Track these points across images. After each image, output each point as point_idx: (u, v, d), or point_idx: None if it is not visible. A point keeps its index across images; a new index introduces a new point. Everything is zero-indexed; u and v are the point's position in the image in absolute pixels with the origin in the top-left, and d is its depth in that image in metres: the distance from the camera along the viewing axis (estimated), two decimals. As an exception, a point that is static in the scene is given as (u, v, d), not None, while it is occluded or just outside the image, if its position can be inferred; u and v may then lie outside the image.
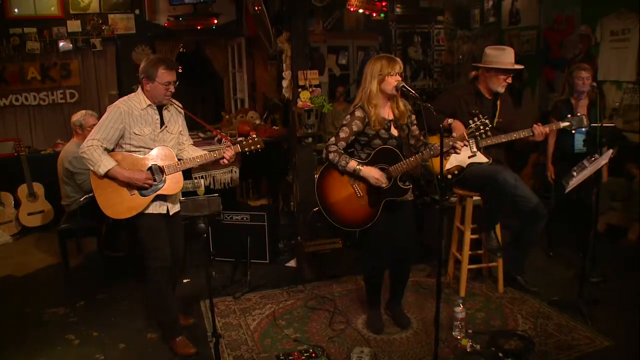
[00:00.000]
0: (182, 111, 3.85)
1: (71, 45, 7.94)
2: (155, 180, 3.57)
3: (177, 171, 3.63)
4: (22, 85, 7.78)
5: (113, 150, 3.58)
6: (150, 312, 4.24)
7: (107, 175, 3.48)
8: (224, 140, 5.90)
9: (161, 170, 3.60)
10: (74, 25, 7.93)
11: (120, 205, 3.56)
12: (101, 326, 4.16)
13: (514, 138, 4.13)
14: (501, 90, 4.27)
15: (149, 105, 3.58)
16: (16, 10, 7.64)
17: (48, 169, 5.92)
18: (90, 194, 4.76)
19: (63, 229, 5.17)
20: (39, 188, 6.51)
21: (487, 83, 4.29)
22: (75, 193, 5.11)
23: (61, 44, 7.88)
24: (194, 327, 4.09)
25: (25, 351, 3.84)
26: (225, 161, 3.72)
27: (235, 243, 5.22)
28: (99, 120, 5.15)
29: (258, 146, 3.77)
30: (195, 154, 3.81)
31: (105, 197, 3.57)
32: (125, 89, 8.19)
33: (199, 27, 8.45)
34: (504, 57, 4.20)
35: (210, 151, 3.82)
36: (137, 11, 8.22)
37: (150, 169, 3.58)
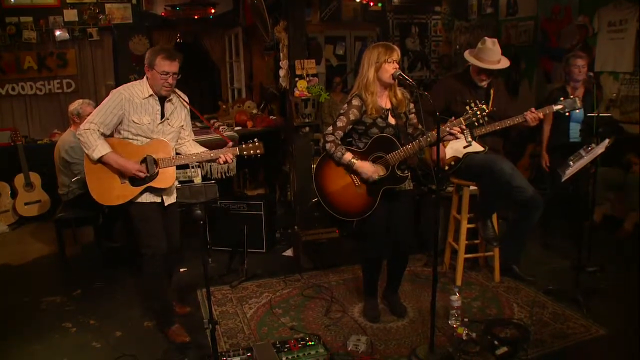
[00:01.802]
0: (187, 105, 3.81)
1: (68, 34, 7.91)
2: (148, 172, 3.54)
3: (172, 165, 3.59)
4: (19, 74, 7.75)
5: (111, 135, 3.56)
6: (146, 301, 4.26)
7: (101, 161, 3.47)
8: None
9: (155, 162, 3.56)
10: (71, 15, 7.89)
11: (109, 192, 3.55)
12: (98, 314, 4.17)
13: (507, 125, 4.13)
14: (479, 84, 4.30)
15: (151, 95, 3.54)
16: (12, -1, 7.60)
17: (45, 158, 5.91)
18: (81, 176, 4.78)
19: (60, 218, 5.16)
20: (35, 178, 6.50)
21: (472, 74, 4.31)
22: (72, 183, 5.10)
23: (58, 33, 7.85)
24: (191, 316, 4.10)
25: (23, 339, 3.84)
26: (221, 162, 3.69)
27: (232, 232, 5.22)
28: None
29: (258, 152, 3.71)
30: (194, 150, 3.79)
31: (96, 182, 3.55)
32: (122, 79, 8.18)
33: (196, 17, 8.43)
34: (485, 53, 4.18)
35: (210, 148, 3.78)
36: (133, 0, 8.18)
37: (145, 159, 3.54)
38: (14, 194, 6.51)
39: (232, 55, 9.29)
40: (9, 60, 7.65)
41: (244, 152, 3.69)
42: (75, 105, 5.15)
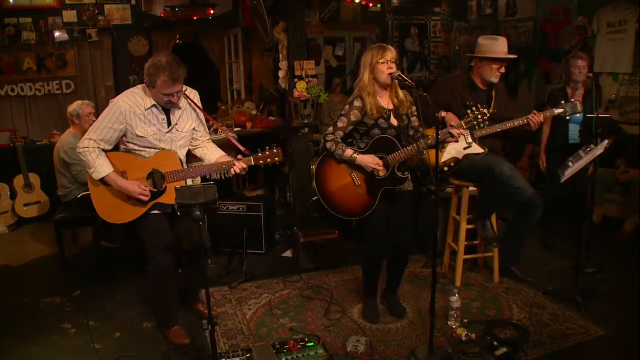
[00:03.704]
0: (197, 109, 3.57)
1: (67, 35, 7.90)
2: (155, 187, 3.37)
3: (180, 180, 3.37)
4: (18, 75, 7.74)
5: (118, 146, 3.42)
6: (147, 301, 4.26)
7: (103, 182, 3.33)
8: (220, 129, 5.87)
9: (163, 177, 3.38)
10: (70, 15, 7.88)
11: (117, 210, 3.41)
12: (97, 315, 4.17)
13: (508, 127, 4.12)
14: (494, 80, 4.25)
15: (154, 105, 3.33)
16: (11, 0, 7.59)
17: (44, 159, 5.92)
18: (88, 192, 4.77)
19: (59, 219, 5.15)
20: (35, 179, 6.50)
21: (481, 73, 4.28)
22: (71, 183, 5.10)
23: (57, 34, 7.84)
24: (190, 317, 4.08)
25: (22, 340, 3.84)
26: (235, 172, 3.41)
27: (232, 233, 5.22)
28: (95, 109, 5.14)
29: (276, 159, 3.40)
30: (211, 153, 3.58)
31: (101, 200, 3.41)
32: (121, 80, 8.20)
33: (195, 18, 8.43)
34: (497, 46, 4.18)
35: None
36: (133, 1, 8.18)
37: (151, 174, 3.38)
38: (13, 195, 6.50)
39: (231, 56, 9.29)
40: (8, 61, 7.64)
41: (260, 162, 3.39)
42: (74, 106, 5.15)
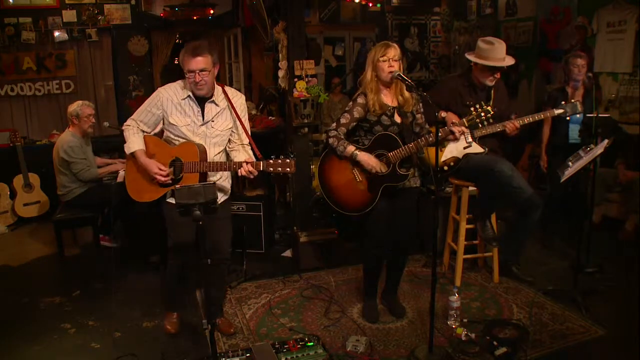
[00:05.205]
0: (233, 109, 3.50)
1: (67, 35, 7.89)
2: (175, 174, 3.42)
3: (194, 172, 3.38)
4: (18, 75, 7.73)
5: (161, 133, 3.55)
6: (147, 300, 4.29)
7: (133, 156, 3.46)
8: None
9: (182, 166, 3.41)
10: (70, 15, 7.87)
11: (141, 188, 3.54)
12: (97, 315, 4.17)
13: (487, 132, 4.12)
14: (489, 83, 4.25)
15: (188, 96, 3.41)
16: (11, 0, 7.58)
17: (44, 159, 5.92)
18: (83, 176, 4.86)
19: (59, 219, 5.16)
20: (34, 179, 6.50)
21: (477, 75, 4.28)
22: (71, 183, 5.10)
23: (57, 34, 7.84)
24: (190, 316, 4.08)
25: (22, 340, 3.84)
26: (242, 173, 3.31)
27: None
28: (95, 111, 5.19)
29: (288, 169, 3.26)
30: (239, 157, 3.52)
31: (132, 176, 3.56)
32: (121, 80, 8.19)
33: (195, 18, 8.42)
34: (494, 52, 4.15)
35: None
36: (132, 1, 8.17)
37: (174, 161, 3.43)
38: (13, 195, 6.50)
39: (231, 56, 9.28)
40: (8, 61, 7.63)
41: (270, 169, 3.26)
42: (74, 107, 5.16)
